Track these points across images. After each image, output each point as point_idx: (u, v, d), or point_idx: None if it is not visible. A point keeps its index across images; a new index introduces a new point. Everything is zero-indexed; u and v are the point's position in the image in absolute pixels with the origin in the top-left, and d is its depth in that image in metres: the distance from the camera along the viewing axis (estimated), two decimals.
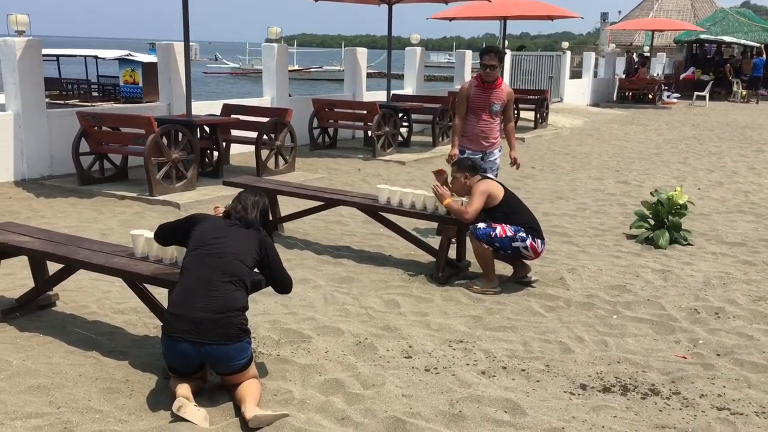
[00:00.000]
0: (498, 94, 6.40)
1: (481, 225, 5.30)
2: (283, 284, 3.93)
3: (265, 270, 3.84)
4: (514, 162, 6.66)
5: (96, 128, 8.54)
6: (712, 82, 25.07)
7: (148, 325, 4.50)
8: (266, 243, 3.82)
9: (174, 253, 4.07)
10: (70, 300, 4.91)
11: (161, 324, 4.16)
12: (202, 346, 3.40)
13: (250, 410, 3.35)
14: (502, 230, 5.27)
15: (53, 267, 4.55)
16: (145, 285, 4.12)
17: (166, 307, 3.85)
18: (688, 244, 6.73)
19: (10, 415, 3.40)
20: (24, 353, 4.08)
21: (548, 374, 4.01)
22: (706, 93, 24.04)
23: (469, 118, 6.46)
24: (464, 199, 5.49)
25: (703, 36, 26.52)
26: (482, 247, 5.29)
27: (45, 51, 11.81)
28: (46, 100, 9.45)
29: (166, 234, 3.96)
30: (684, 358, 4.27)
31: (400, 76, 15.95)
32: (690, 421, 3.53)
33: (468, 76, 16.45)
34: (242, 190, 4.19)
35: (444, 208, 5.48)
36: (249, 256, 3.69)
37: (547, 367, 4.10)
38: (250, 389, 3.50)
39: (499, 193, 5.37)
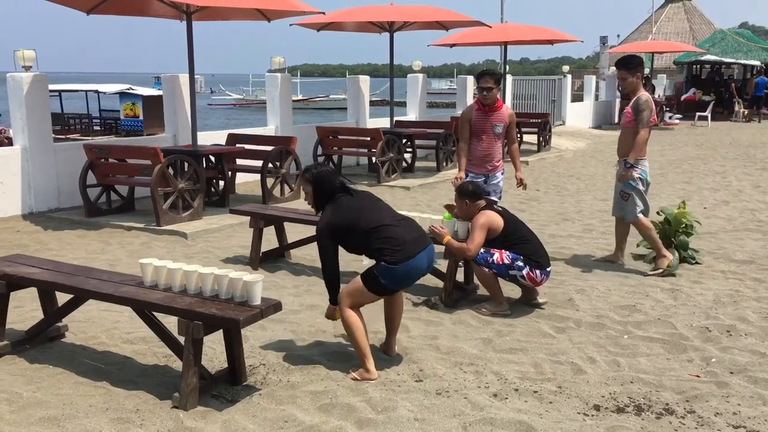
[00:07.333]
0: (499, 116, 6.43)
1: (480, 250, 5.29)
2: None
3: None
4: (521, 183, 6.66)
5: (103, 160, 8.61)
6: (713, 102, 25.17)
7: (158, 355, 4.48)
8: None
9: (182, 280, 4.07)
10: (80, 331, 4.91)
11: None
12: (429, 248, 4.29)
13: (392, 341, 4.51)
14: (499, 257, 5.26)
15: (62, 299, 4.56)
16: (154, 313, 4.12)
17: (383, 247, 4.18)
18: (697, 263, 6.71)
19: None
20: (34, 385, 4.08)
21: (561, 395, 3.98)
22: (707, 113, 24.12)
23: (472, 142, 6.49)
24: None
25: (702, 58, 26.67)
26: (483, 271, 5.28)
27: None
28: None
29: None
30: (697, 376, 4.24)
31: (403, 104, 16.05)
32: None
33: (470, 102, 16.53)
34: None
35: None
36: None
37: (559, 388, 4.07)
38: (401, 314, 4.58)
39: (499, 224, 5.32)
